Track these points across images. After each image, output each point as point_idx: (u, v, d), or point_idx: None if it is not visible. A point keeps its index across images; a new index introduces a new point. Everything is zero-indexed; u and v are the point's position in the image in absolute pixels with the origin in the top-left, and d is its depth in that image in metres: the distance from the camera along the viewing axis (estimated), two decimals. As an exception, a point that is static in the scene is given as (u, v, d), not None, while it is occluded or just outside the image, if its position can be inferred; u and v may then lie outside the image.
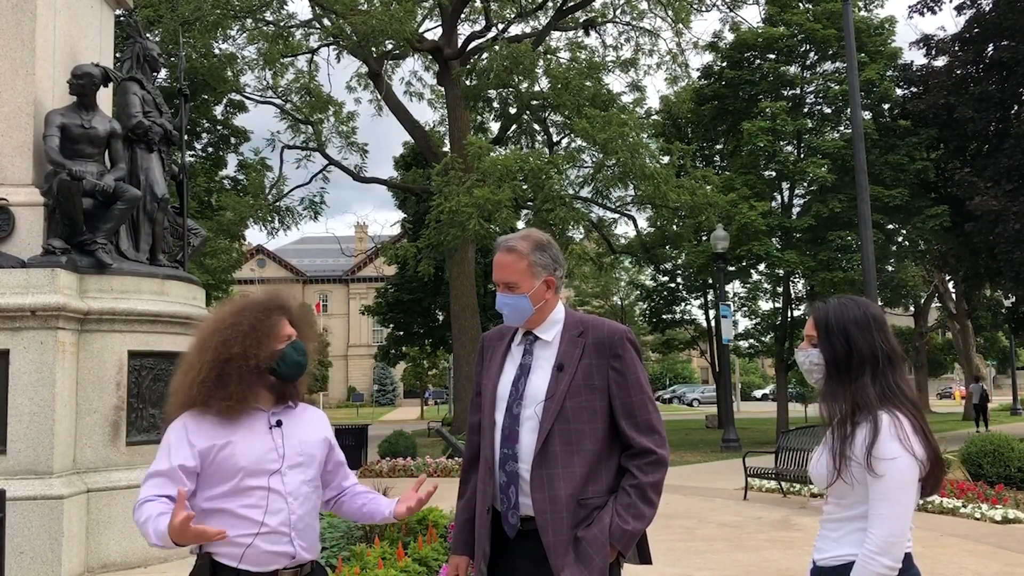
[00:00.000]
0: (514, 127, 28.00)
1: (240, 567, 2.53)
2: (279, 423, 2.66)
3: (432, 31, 27.41)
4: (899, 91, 23.98)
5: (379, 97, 27.08)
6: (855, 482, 2.44)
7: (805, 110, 25.07)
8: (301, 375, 2.69)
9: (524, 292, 2.80)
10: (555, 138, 28.03)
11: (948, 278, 32.97)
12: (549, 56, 26.29)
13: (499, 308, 2.84)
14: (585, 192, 23.96)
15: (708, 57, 34.05)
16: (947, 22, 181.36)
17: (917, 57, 64.51)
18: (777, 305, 26.79)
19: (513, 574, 2.76)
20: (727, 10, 27.02)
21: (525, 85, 23.99)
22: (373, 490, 2.91)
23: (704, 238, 24.58)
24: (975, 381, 32.66)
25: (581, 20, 27.17)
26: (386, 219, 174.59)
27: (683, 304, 31.63)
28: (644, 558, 2.80)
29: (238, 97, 27.29)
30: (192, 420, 2.60)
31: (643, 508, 2.67)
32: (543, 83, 24.39)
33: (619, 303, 47.28)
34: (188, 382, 2.63)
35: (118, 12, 8.85)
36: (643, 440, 2.73)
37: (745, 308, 28.48)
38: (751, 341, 28.32)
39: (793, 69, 25.14)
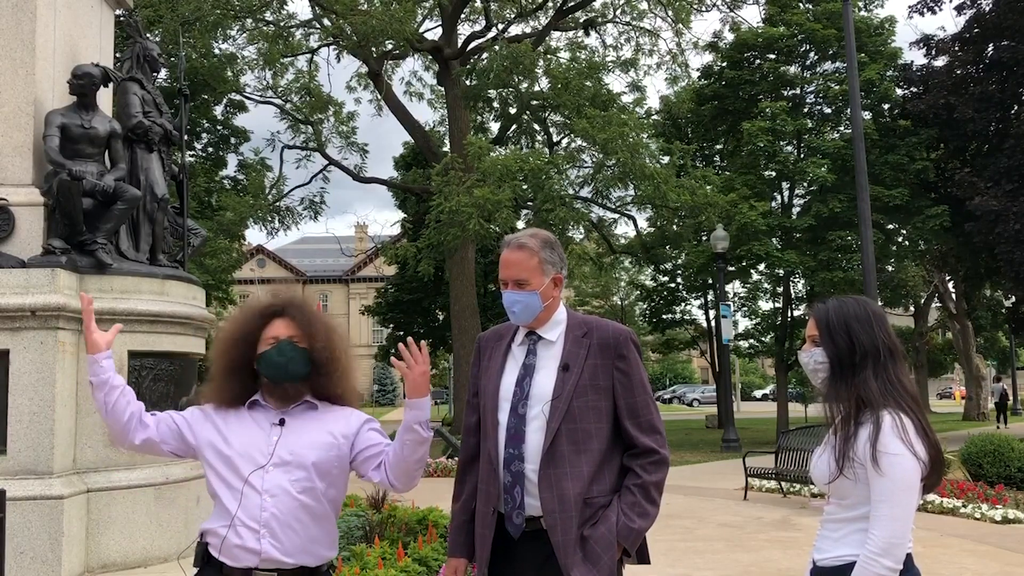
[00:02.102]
0: (514, 127, 27.97)
1: (220, 558, 2.58)
2: (282, 422, 2.66)
3: (432, 31, 27.41)
4: (899, 91, 23.98)
5: (379, 97, 27.05)
6: (858, 482, 2.44)
7: (805, 110, 25.08)
8: (285, 378, 2.66)
9: (535, 289, 2.80)
10: (555, 138, 28.01)
11: (948, 278, 32.97)
12: (549, 56, 26.26)
13: (509, 306, 2.82)
14: (585, 192, 23.98)
15: (708, 57, 34.07)
16: (947, 22, 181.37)
17: (917, 57, 64.54)
18: (777, 305, 26.80)
19: (516, 574, 2.75)
20: (727, 10, 27.02)
21: (525, 85, 23.98)
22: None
23: (704, 238, 24.58)
24: (996, 380, 33.40)
25: (581, 20, 27.16)
26: (386, 219, 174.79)
27: (683, 304, 31.66)
28: (643, 558, 2.81)
29: (238, 97, 27.27)
30: (212, 409, 2.77)
31: (647, 507, 2.70)
32: (543, 83, 24.38)
33: (619, 303, 47.24)
34: (210, 375, 2.81)
35: (118, 12, 8.84)
36: (646, 440, 2.75)
37: (745, 308, 28.50)
38: (751, 341, 28.33)
39: (793, 69, 25.14)
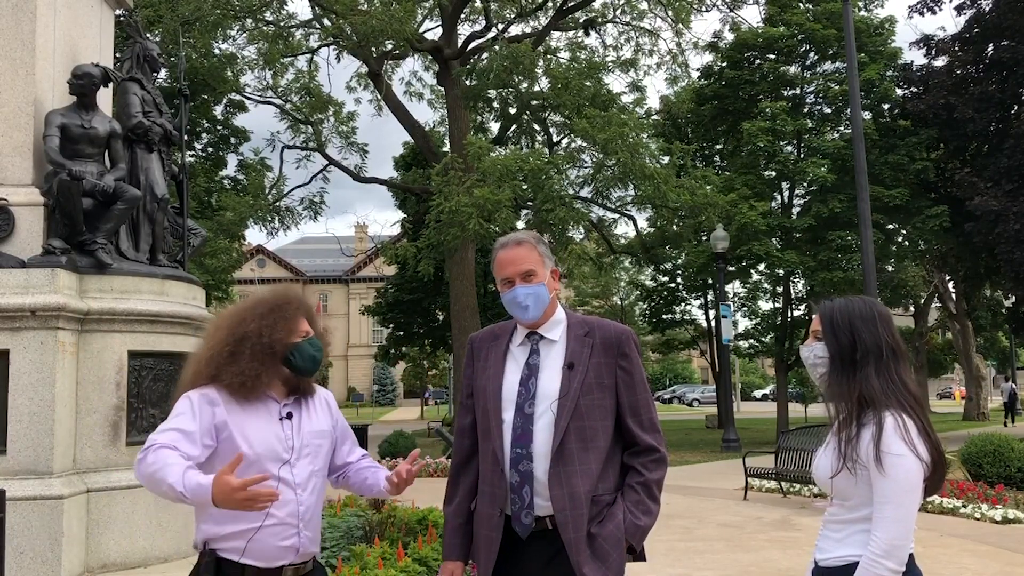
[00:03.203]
0: (514, 127, 27.96)
1: (242, 561, 2.50)
2: (290, 415, 2.67)
3: (432, 31, 27.40)
4: (899, 91, 23.98)
5: (379, 97, 27.04)
6: (859, 483, 2.44)
7: (805, 110, 25.08)
8: (315, 370, 2.71)
9: (541, 280, 2.84)
10: (555, 138, 28.00)
11: (948, 278, 33.00)
12: (549, 56, 26.25)
13: (520, 301, 2.80)
14: (585, 192, 23.96)
15: (708, 57, 34.09)
16: (947, 22, 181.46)
17: (917, 57, 64.57)
18: (777, 305, 26.79)
19: (523, 575, 2.75)
20: (727, 10, 27.00)
21: (525, 85, 23.96)
22: (377, 464, 2.90)
23: (704, 238, 24.59)
24: (1004, 380, 34.14)
25: (581, 20, 27.15)
26: (386, 219, 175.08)
27: (683, 304, 31.66)
28: (639, 556, 2.82)
29: (238, 97, 27.25)
30: (204, 396, 2.58)
31: (651, 504, 2.74)
32: (543, 83, 24.36)
33: (619, 303, 47.25)
34: (201, 356, 2.66)
35: (118, 12, 8.84)
36: (647, 438, 2.78)
37: (745, 308, 28.50)
38: (751, 341, 28.33)
39: (793, 69, 25.15)
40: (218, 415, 2.55)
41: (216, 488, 2.28)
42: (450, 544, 2.90)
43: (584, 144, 22.42)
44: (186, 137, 8.78)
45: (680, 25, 27.48)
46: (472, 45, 25.36)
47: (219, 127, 27.65)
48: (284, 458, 2.59)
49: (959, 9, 22.36)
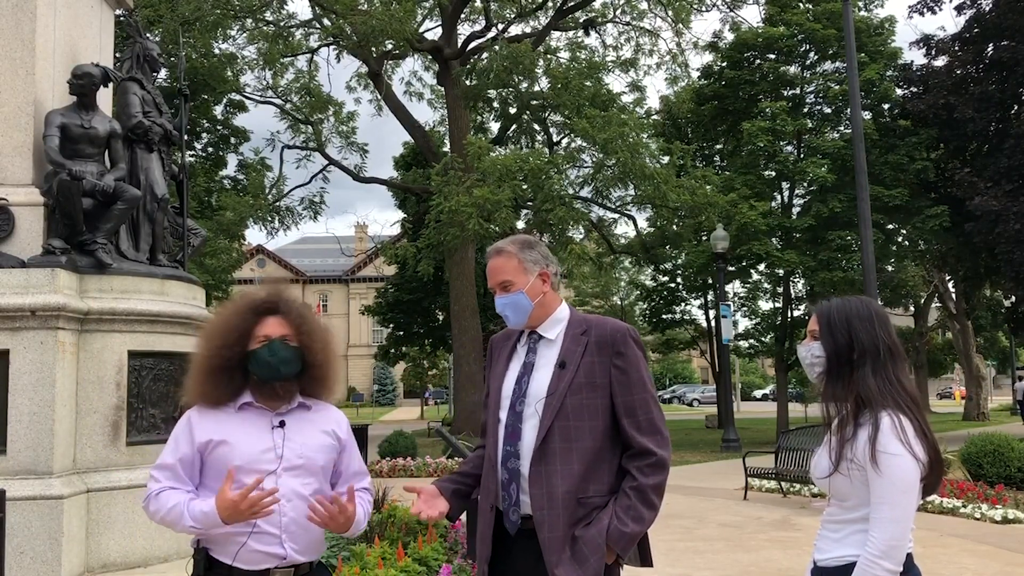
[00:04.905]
0: (514, 127, 27.99)
1: (234, 564, 2.54)
2: (282, 423, 2.64)
3: (432, 31, 27.42)
4: (899, 91, 23.97)
5: (379, 97, 27.08)
6: (856, 484, 2.44)
7: (805, 110, 25.08)
8: (277, 376, 2.62)
9: (520, 288, 2.83)
10: (555, 138, 28.02)
11: (948, 278, 32.99)
12: (549, 56, 26.27)
13: (501, 311, 2.87)
14: (585, 192, 23.98)
15: (708, 57, 34.12)
16: (947, 22, 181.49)
17: (917, 57, 64.50)
18: (777, 305, 26.80)
19: (513, 572, 2.76)
20: (727, 10, 27.03)
21: (525, 85, 23.98)
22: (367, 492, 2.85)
23: (704, 238, 24.59)
24: (1018, 380, 34.62)
25: (581, 20, 27.17)
26: (386, 219, 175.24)
27: (683, 304, 31.65)
28: (645, 560, 2.80)
29: (238, 97, 27.29)
30: (197, 414, 2.66)
31: (643, 511, 2.66)
32: (543, 83, 24.39)
33: (619, 303, 47.22)
34: (188, 378, 2.72)
35: (118, 12, 8.84)
36: (644, 440, 2.72)
37: (745, 308, 28.51)
38: (751, 341, 28.33)
39: (793, 69, 25.15)
40: (199, 437, 2.60)
41: (220, 507, 2.45)
42: (442, 479, 2.97)
43: (584, 144, 22.44)
44: (186, 137, 8.78)
45: (680, 25, 27.52)
46: (472, 45, 25.37)
47: (219, 127, 27.68)
48: (269, 469, 2.57)
49: (959, 9, 22.36)
